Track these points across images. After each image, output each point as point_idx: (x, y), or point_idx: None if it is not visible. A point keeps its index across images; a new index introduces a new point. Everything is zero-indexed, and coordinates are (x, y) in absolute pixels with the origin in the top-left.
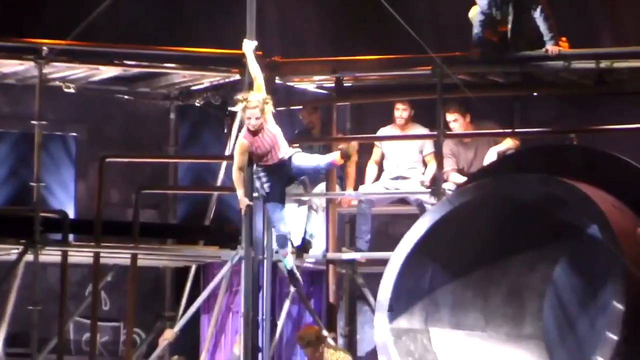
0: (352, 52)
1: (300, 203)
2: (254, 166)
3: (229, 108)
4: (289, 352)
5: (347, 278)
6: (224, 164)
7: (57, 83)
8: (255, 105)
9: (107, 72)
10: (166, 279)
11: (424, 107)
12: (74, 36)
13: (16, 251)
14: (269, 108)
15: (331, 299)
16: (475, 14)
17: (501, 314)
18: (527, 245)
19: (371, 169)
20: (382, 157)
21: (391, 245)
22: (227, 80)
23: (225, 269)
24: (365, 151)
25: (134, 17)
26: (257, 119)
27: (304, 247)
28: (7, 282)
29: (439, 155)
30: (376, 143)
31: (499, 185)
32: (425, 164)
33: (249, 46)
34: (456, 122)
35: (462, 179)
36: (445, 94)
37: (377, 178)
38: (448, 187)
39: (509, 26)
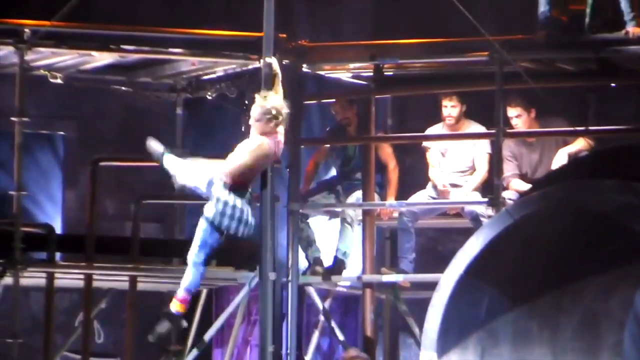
0: (394, 36)
1: (332, 215)
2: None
3: (247, 102)
4: None
5: (387, 305)
6: None
7: (42, 72)
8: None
9: (101, 59)
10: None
11: (479, 101)
12: (62, 16)
13: None
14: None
15: (368, 330)
16: None
17: (572, 348)
18: (604, 265)
19: (435, 174)
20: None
21: (440, 266)
22: (244, 68)
23: (242, 294)
24: (410, 152)
25: None
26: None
27: (336, 268)
28: None
29: (497, 158)
30: (426, 144)
31: (569, 194)
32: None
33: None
34: (519, 118)
35: (526, 186)
36: (505, 85)
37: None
38: (508, 196)
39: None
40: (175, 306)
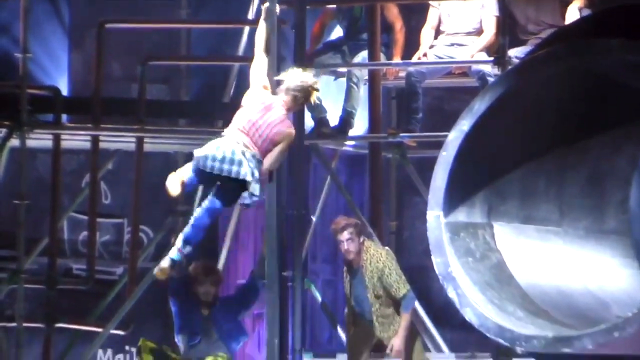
0: None
1: (338, 75)
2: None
3: None
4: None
5: (394, 164)
6: (247, 29)
7: None
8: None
9: None
10: (178, 166)
11: None
12: None
13: None
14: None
15: (375, 190)
16: None
17: (579, 205)
18: (609, 124)
19: (427, 34)
20: (440, 20)
21: (446, 125)
22: None
23: None
24: (418, 12)
25: None
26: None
27: (342, 128)
28: None
29: (504, 17)
30: (433, 2)
31: (575, 53)
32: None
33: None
34: None
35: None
36: None
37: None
38: (515, 54)
39: None
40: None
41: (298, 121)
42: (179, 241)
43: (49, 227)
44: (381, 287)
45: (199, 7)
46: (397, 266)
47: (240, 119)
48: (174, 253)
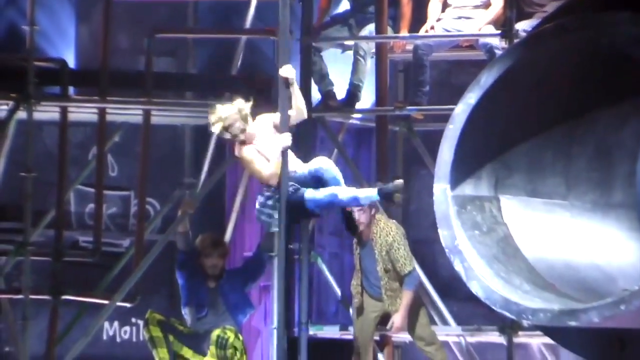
0: None
1: (345, 48)
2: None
3: None
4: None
5: (400, 137)
6: (254, 1)
7: None
8: (234, 120)
9: None
10: (185, 139)
11: None
12: None
13: (6, 107)
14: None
15: (382, 163)
16: None
17: (586, 178)
18: (617, 97)
19: (434, 7)
20: None
21: (453, 98)
22: None
23: None
24: None
25: None
26: (242, 131)
27: (349, 101)
28: None
29: None
30: None
31: (583, 26)
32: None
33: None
34: None
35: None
36: None
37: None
38: (522, 27)
39: None
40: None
41: (305, 94)
42: None
43: (55, 200)
44: (389, 261)
45: None
46: (406, 242)
47: None
48: None
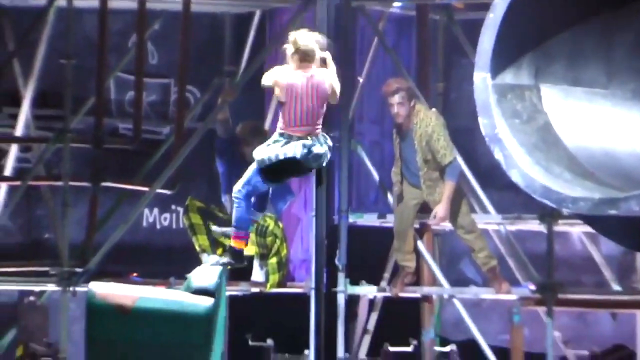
0: None
1: None
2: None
3: None
4: (371, 109)
5: (441, 26)
6: None
7: None
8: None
9: None
10: (225, 26)
11: None
12: None
13: None
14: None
15: (423, 52)
16: None
17: (627, 67)
18: None
19: None
20: None
21: None
22: None
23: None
24: None
25: None
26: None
27: None
28: (36, 30)
29: None
30: None
31: None
32: None
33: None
34: None
35: None
36: None
37: None
38: None
39: None
40: (233, 244)
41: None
42: None
43: (95, 87)
44: (429, 151)
45: None
46: (446, 132)
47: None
48: None
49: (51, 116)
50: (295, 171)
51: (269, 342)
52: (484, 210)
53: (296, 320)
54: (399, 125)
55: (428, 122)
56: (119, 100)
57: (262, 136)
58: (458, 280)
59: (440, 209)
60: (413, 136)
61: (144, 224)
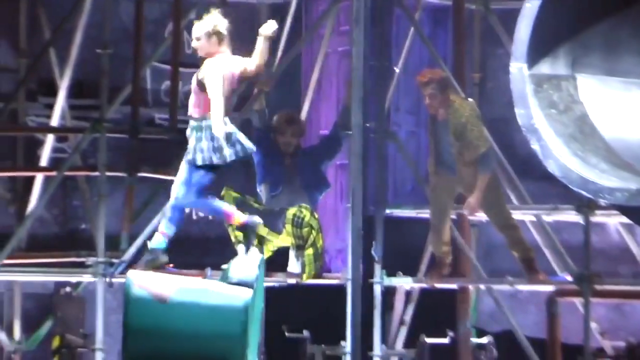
0: None
1: None
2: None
3: None
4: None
5: (477, 16)
6: None
7: None
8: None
9: None
10: (261, 16)
11: None
12: None
13: None
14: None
15: (459, 41)
16: None
17: None
18: None
19: None
20: None
21: None
22: None
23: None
24: None
25: None
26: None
27: None
28: (72, 19)
29: None
30: None
31: None
32: None
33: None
34: None
35: None
36: None
37: None
38: None
39: None
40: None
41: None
42: None
43: (131, 76)
44: (463, 141)
45: None
46: (480, 122)
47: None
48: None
49: (87, 106)
50: None
51: (305, 333)
52: (521, 200)
53: (332, 312)
54: (434, 115)
55: (462, 112)
56: (155, 89)
57: (297, 126)
58: (495, 271)
59: (473, 200)
60: (448, 127)
61: None
